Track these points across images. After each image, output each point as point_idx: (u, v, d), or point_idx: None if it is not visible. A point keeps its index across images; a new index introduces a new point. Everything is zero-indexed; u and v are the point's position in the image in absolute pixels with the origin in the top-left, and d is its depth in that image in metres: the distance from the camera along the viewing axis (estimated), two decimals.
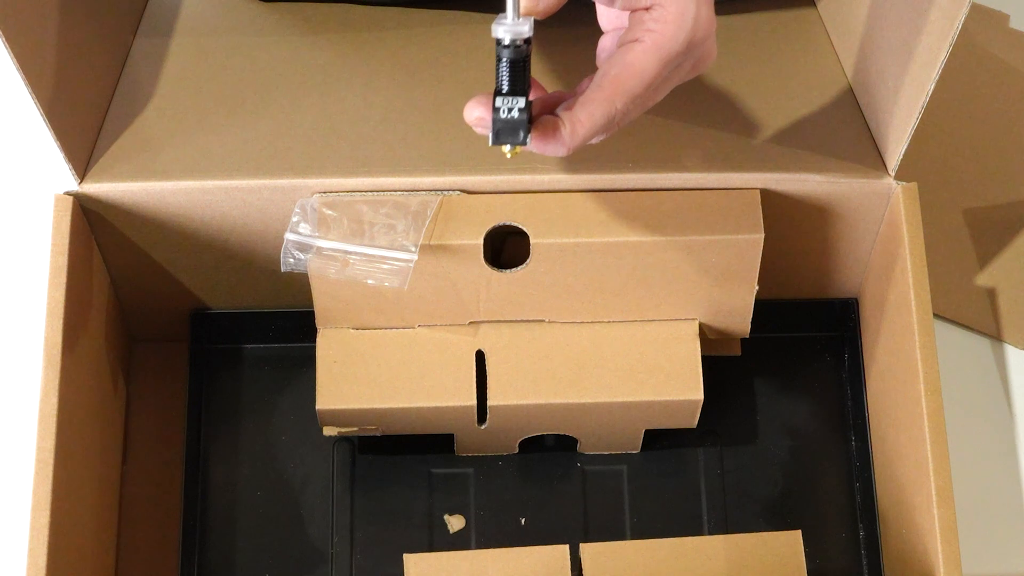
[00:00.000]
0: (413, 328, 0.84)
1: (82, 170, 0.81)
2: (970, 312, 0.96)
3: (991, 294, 0.96)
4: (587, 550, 0.79)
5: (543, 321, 0.84)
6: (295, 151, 0.82)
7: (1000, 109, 1.01)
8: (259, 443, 0.90)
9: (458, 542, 0.88)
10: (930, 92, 0.76)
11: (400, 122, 0.84)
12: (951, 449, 0.80)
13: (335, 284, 0.82)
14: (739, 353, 0.91)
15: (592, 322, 0.84)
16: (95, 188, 0.81)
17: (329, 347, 0.84)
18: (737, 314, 0.85)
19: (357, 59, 0.88)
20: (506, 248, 0.84)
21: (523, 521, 0.89)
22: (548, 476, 0.90)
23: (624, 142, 0.83)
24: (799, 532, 0.81)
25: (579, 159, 0.82)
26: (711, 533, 0.89)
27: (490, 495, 0.89)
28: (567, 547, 0.79)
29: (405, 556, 0.79)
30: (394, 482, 0.89)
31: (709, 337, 0.86)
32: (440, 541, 0.88)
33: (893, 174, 0.83)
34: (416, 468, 0.90)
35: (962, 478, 0.84)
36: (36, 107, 0.76)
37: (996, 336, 0.95)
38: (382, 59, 0.88)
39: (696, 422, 0.86)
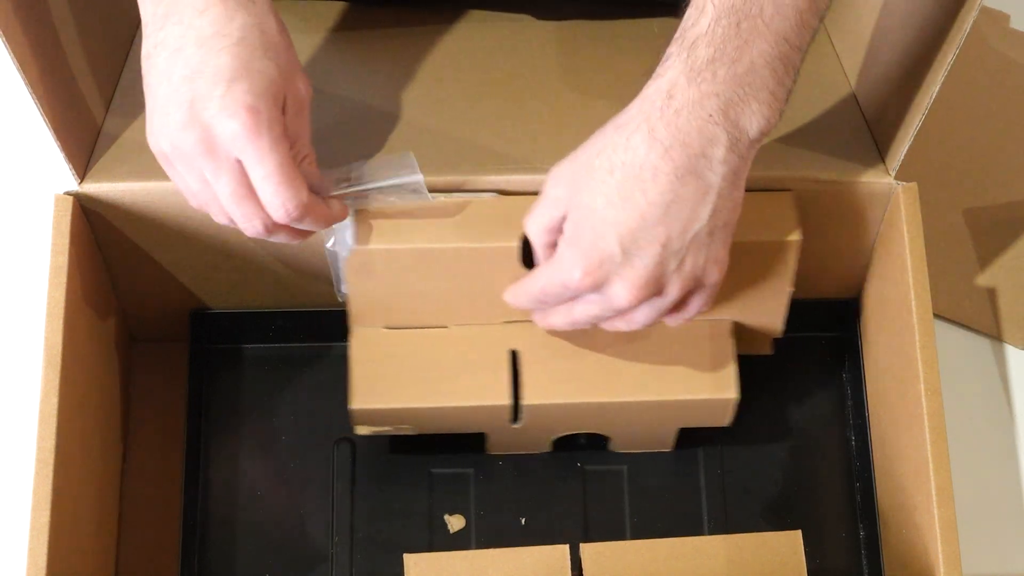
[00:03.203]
0: (447, 327, 0.84)
1: (82, 170, 0.81)
2: (970, 312, 0.96)
3: (991, 294, 0.96)
4: (587, 550, 0.79)
5: None
6: None
7: (1000, 109, 1.01)
8: (259, 443, 0.90)
9: (458, 542, 0.88)
10: (935, 95, 0.76)
11: (399, 122, 0.84)
12: (951, 449, 0.80)
13: (370, 283, 0.81)
14: (770, 352, 0.90)
15: None
16: (95, 188, 0.81)
17: (362, 347, 0.83)
18: (771, 314, 0.85)
19: (357, 59, 0.88)
20: None
21: (523, 521, 0.89)
22: (548, 476, 0.90)
23: None
24: (799, 532, 0.81)
25: None
26: (711, 533, 0.89)
27: (490, 495, 0.89)
28: (567, 547, 0.79)
29: (405, 556, 0.79)
30: (394, 482, 0.89)
31: (741, 336, 0.86)
32: (440, 541, 0.88)
33: (893, 174, 0.83)
34: (416, 468, 0.90)
35: (962, 478, 0.84)
36: (36, 107, 0.76)
37: (996, 336, 0.95)
38: (382, 59, 0.88)
39: (729, 421, 0.85)
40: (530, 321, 0.83)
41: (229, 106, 0.70)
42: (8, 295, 0.95)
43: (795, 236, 0.81)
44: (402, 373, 0.83)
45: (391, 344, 0.83)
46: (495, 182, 0.81)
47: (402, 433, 0.85)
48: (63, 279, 0.79)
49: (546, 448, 0.89)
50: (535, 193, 0.81)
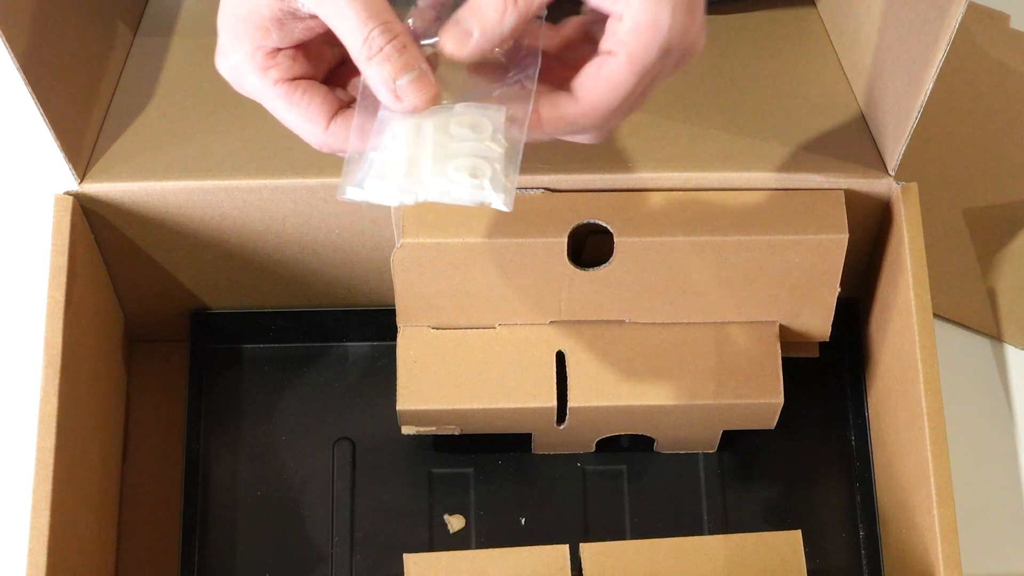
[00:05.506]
0: (493, 328, 0.84)
1: (82, 170, 0.81)
2: (970, 312, 0.96)
3: (991, 294, 0.96)
4: (587, 550, 0.79)
5: (623, 322, 0.84)
6: (295, 151, 0.82)
7: (1000, 109, 1.01)
8: (259, 443, 0.90)
9: (458, 542, 0.88)
10: (928, 92, 0.76)
11: None
12: (951, 449, 0.80)
13: (418, 281, 0.81)
14: (817, 355, 0.90)
15: (673, 323, 0.84)
16: (95, 188, 0.81)
17: (409, 347, 0.83)
18: (818, 316, 0.84)
19: None
20: (587, 247, 0.84)
21: (523, 521, 0.89)
22: (548, 476, 0.90)
23: (623, 143, 0.83)
24: (799, 532, 0.81)
25: (664, 159, 0.82)
26: (711, 533, 0.89)
27: (490, 495, 0.89)
28: (567, 547, 0.79)
29: (405, 556, 0.79)
30: (394, 482, 0.89)
31: (787, 339, 0.86)
32: (440, 541, 0.88)
33: (893, 174, 0.83)
34: (416, 468, 0.90)
35: (962, 478, 0.84)
36: (36, 107, 0.76)
37: (996, 336, 0.95)
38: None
39: (775, 424, 0.86)
40: (577, 322, 0.83)
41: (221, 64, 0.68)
42: (8, 295, 0.95)
43: (842, 234, 0.81)
44: (448, 374, 0.83)
45: (438, 344, 0.83)
46: (543, 180, 0.81)
47: (447, 433, 0.85)
48: (63, 279, 0.79)
49: (590, 449, 0.89)
50: (582, 191, 0.80)
